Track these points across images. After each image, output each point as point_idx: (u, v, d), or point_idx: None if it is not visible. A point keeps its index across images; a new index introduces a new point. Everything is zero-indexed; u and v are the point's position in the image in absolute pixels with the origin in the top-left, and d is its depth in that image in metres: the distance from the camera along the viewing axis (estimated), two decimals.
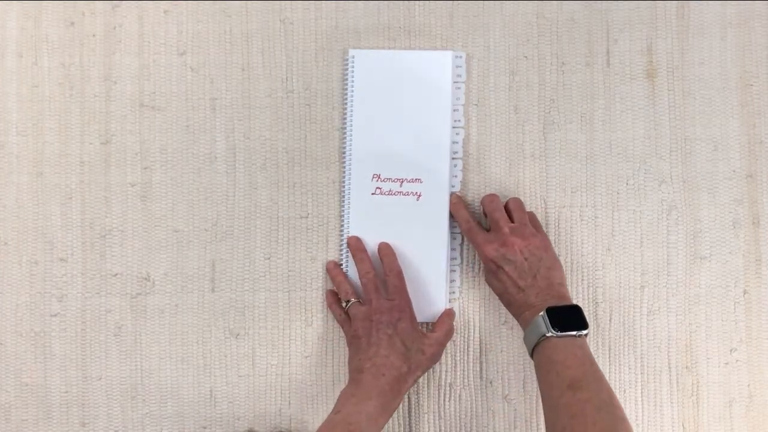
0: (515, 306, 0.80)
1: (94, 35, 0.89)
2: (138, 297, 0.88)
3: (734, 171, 0.87)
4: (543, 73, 0.89)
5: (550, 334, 0.74)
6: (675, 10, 0.89)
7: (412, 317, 0.82)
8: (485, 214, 0.85)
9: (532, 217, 0.86)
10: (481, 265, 0.87)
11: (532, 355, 0.77)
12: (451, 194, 0.87)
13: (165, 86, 0.89)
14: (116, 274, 0.88)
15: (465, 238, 0.87)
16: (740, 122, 0.88)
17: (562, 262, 0.87)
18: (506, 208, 0.85)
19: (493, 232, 0.83)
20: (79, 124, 0.89)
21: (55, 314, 0.88)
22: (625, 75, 0.88)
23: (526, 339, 0.78)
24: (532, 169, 0.88)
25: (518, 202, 0.85)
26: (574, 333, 0.75)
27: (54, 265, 0.88)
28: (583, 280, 0.87)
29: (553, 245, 0.87)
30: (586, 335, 0.76)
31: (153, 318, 0.87)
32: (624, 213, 0.88)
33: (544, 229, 0.86)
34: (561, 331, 0.74)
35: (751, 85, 0.88)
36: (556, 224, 0.88)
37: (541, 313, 0.76)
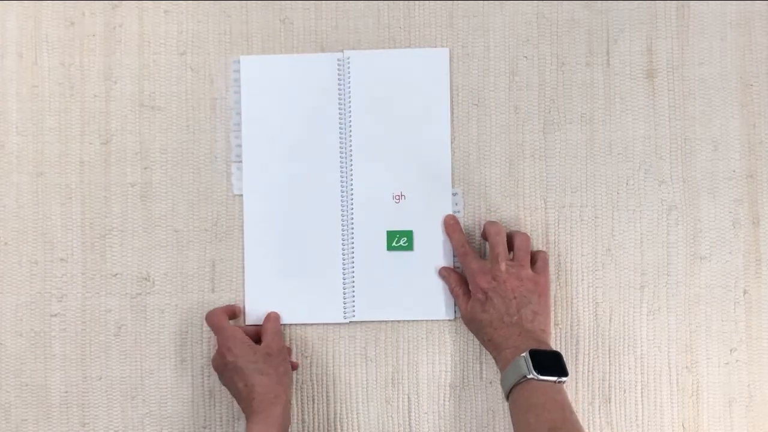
0: (495, 342, 0.79)
1: (94, 35, 0.89)
2: (138, 297, 0.88)
3: (734, 171, 0.87)
4: (543, 73, 0.89)
5: (531, 376, 0.74)
6: (675, 10, 0.89)
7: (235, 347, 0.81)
8: (485, 238, 0.85)
9: (542, 256, 0.84)
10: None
11: (507, 397, 0.76)
12: (448, 215, 0.86)
13: (165, 86, 0.89)
14: (116, 274, 0.88)
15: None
16: (740, 122, 0.88)
17: (562, 261, 0.87)
18: (510, 240, 0.84)
19: (490, 263, 0.82)
20: (79, 124, 0.89)
21: (55, 314, 0.88)
22: (625, 75, 0.88)
23: (504, 380, 0.77)
24: (532, 169, 0.88)
25: (525, 241, 0.84)
26: (554, 378, 0.74)
27: (54, 265, 0.88)
28: (583, 280, 0.87)
29: (553, 245, 0.87)
30: (564, 383, 0.75)
31: (153, 318, 0.87)
32: (624, 213, 0.88)
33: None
34: (542, 375, 0.74)
35: (751, 85, 0.88)
36: (556, 224, 0.88)
37: (524, 354, 0.75)
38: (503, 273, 0.80)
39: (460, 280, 0.84)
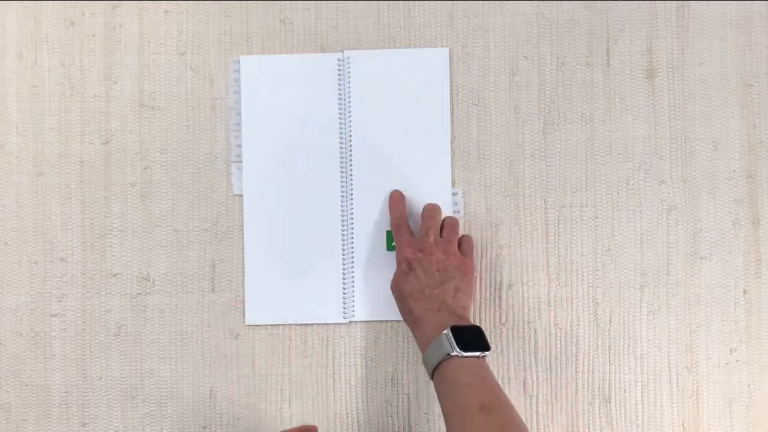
0: (414, 315, 0.79)
1: (94, 35, 0.89)
2: (138, 297, 0.88)
3: (734, 171, 0.87)
4: (543, 73, 0.89)
5: (455, 354, 0.73)
6: (675, 10, 0.89)
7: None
8: (422, 219, 0.85)
9: (467, 239, 0.86)
10: (482, 260, 0.87)
11: (432, 375, 0.76)
12: (394, 190, 0.87)
13: (165, 86, 0.89)
14: (116, 274, 0.88)
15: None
16: (740, 122, 0.88)
17: (562, 261, 0.87)
18: (441, 223, 0.85)
19: (419, 237, 0.83)
20: (79, 124, 0.89)
21: (55, 314, 0.88)
22: (625, 75, 0.88)
23: (426, 359, 0.76)
24: (532, 169, 0.88)
25: (454, 222, 0.85)
26: (477, 354, 0.74)
27: (54, 265, 0.88)
28: (583, 280, 0.87)
29: (553, 245, 0.87)
30: (486, 357, 0.75)
31: (153, 318, 0.87)
32: (624, 213, 0.88)
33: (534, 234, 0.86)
34: (465, 351, 0.73)
35: (751, 85, 0.88)
36: (556, 224, 0.88)
37: (445, 331, 0.75)
38: (431, 245, 0.81)
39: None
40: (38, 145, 0.89)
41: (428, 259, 0.80)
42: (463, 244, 0.85)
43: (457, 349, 0.73)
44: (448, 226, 0.85)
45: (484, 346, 0.75)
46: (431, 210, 0.85)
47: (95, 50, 0.89)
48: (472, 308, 0.85)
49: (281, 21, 0.89)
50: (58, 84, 0.89)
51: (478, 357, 0.74)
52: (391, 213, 0.86)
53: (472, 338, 0.75)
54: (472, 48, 0.89)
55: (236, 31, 0.89)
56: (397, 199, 0.86)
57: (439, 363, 0.74)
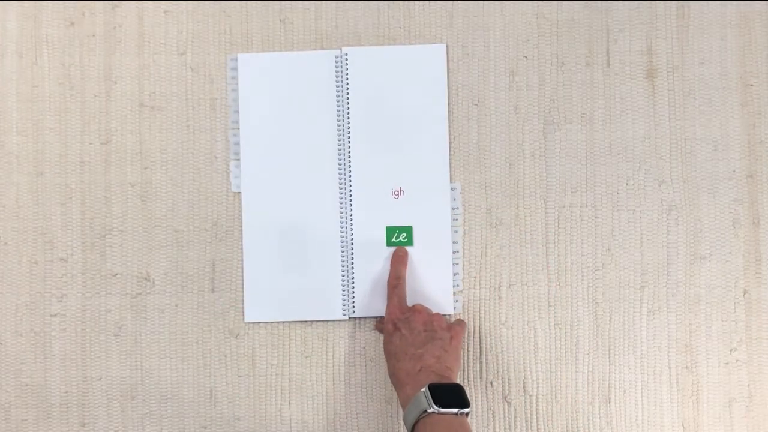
0: (397, 377, 0.78)
1: (94, 35, 0.89)
2: (138, 297, 0.88)
3: (734, 171, 0.87)
4: (543, 73, 0.89)
5: (431, 410, 0.72)
6: (675, 10, 0.89)
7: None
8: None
9: (459, 321, 0.85)
10: (482, 260, 0.87)
11: None
12: (400, 247, 0.87)
13: (165, 86, 0.89)
14: (116, 274, 0.88)
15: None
16: (740, 122, 0.88)
17: (562, 261, 0.87)
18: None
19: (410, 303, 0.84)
20: (79, 124, 0.89)
21: (55, 314, 0.88)
22: (625, 75, 0.88)
23: (406, 417, 0.75)
24: (532, 169, 0.88)
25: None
26: (455, 411, 0.73)
27: (54, 265, 0.88)
28: (583, 280, 0.87)
29: (553, 245, 0.87)
30: (467, 414, 0.74)
31: (153, 318, 0.88)
32: (624, 213, 0.88)
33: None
34: (442, 408, 0.73)
35: (751, 85, 0.88)
36: (556, 224, 0.88)
37: (423, 389, 0.74)
38: (420, 306, 0.82)
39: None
40: (38, 145, 0.89)
41: (414, 318, 0.81)
42: (455, 324, 0.84)
43: (434, 405, 0.72)
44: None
45: (463, 404, 0.74)
46: (395, 280, 0.85)
47: (95, 50, 0.89)
48: (458, 371, 0.83)
49: (281, 21, 0.89)
50: (58, 84, 0.89)
51: (456, 414, 0.73)
52: (391, 270, 0.86)
53: (451, 395, 0.74)
54: (472, 48, 0.89)
55: (236, 31, 0.89)
56: (401, 258, 0.86)
57: (417, 420, 0.73)
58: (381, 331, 0.86)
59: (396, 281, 0.85)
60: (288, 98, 0.89)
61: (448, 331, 0.81)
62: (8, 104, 0.89)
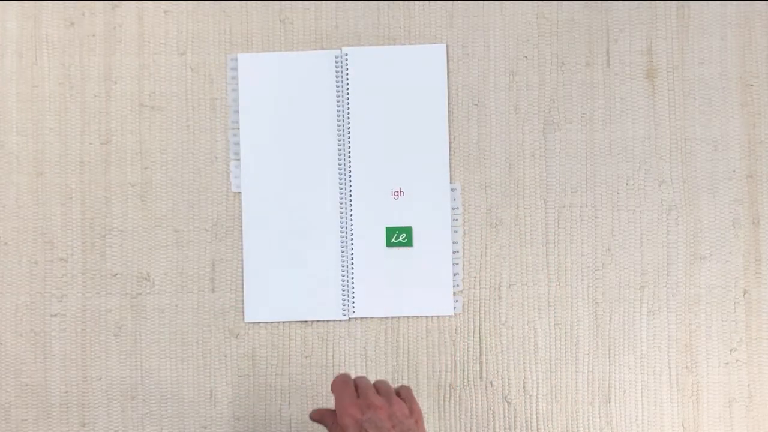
0: None
1: (94, 35, 0.89)
2: (138, 297, 0.88)
3: (734, 171, 0.87)
4: (543, 73, 0.89)
5: None
6: (675, 10, 0.89)
7: None
8: (335, 392, 0.75)
9: (405, 389, 0.77)
10: (482, 260, 0.87)
11: None
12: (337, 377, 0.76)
13: (165, 86, 0.89)
14: (116, 274, 0.88)
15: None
16: (740, 122, 0.88)
17: (562, 261, 0.87)
18: (376, 386, 0.76)
19: (361, 396, 0.73)
20: (79, 124, 0.89)
21: (55, 314, 0.88)
22: (625, 75, 0.88)
23: None
24: (532, 169, 0.88)
25: (384, 381, 0.77)
26: None
27: (54, 265, 0.88)
28: (583, 280, 0.87)
29: (553, 245, 0.87)
30: None
31: (153, 318, 0.88)
32: (624, 213, 0.88)
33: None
34: None
35: (751, 85, 0.88)
36: (556, 224, 0.88)
37: None
38: (377, 399, 0.72)
39: (334, 415, 0.75)
40: (38, 145, 0.89)
41: (378, 415, 0.71)
42: (402, 393, 0.76)
43: None
44: (381, 384, 0.76)
45: None
46: (342, 377, 0.75)
47: (95, 50, 0.89)
48: None
49: (281, 21, 0.89)
50: (58, 84, 0.89)
51: None
52: (335, 382, 0.75)
53: None
54: (472, 48, 0.89)
55: (236, 31, 0.89)
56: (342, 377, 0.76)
57: None
58: (321, 423, 0.76)
59: (345, 378, 0.75)
60: (288, 98, 0.89)
61: (411, 416, 0.73)
62: (8, 104, 0.89)
